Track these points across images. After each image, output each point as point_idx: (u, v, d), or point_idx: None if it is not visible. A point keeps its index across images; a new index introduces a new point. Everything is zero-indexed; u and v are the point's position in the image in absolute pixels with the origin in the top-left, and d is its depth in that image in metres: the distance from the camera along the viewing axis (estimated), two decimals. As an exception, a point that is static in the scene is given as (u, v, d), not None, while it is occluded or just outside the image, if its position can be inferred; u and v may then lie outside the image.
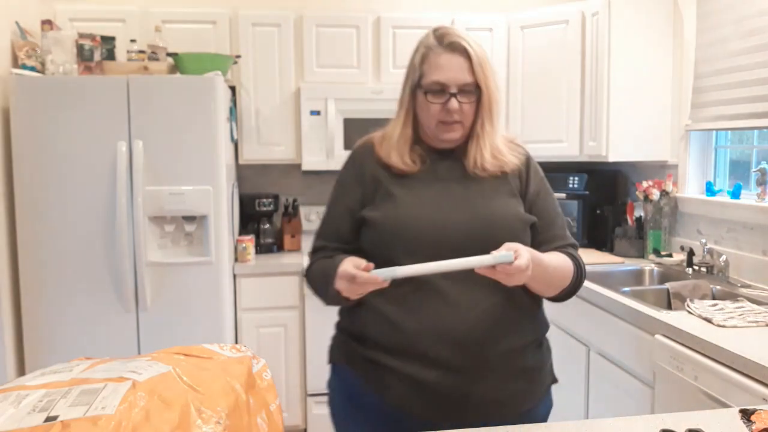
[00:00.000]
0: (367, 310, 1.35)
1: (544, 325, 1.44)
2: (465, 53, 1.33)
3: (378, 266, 1.24)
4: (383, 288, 1.24)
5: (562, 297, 1.40)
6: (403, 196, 1.35)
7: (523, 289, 1.33)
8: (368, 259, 1.26)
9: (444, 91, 1.33)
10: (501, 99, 1.37)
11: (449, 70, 1.33)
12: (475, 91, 1.34)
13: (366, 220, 1.36)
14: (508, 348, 1.31)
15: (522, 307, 1.35)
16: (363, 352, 1.35)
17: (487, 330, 1.28)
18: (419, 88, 1.36)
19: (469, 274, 1.20)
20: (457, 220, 1.31)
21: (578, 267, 1.40)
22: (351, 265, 1.23)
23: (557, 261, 1.36)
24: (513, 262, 1.16)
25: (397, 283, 1.25)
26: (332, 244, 1.42)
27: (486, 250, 1.20)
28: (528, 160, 1.45)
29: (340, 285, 1.25)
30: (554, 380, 1.45)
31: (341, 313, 1.46)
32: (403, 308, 1.30)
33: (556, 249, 1.40)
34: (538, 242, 1.39)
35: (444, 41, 1.34)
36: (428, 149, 1.42)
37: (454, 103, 1.33)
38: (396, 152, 1.39)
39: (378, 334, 1.33)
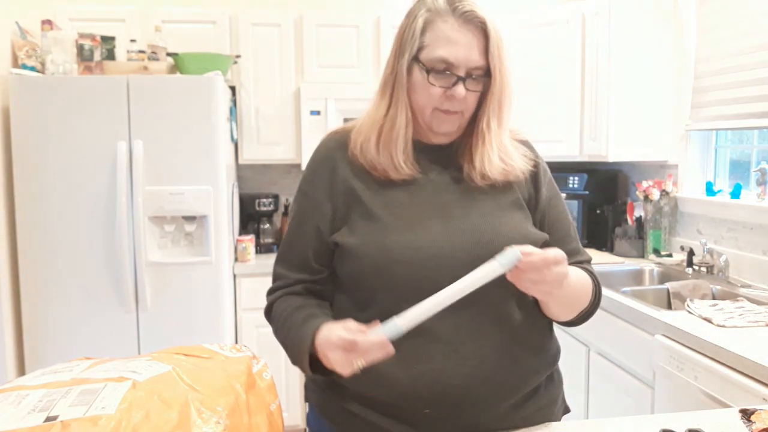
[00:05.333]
0: None
1: (557, 352, 1.21)
2: (482, 28, 1.05)
3: (360, 304, 1.04)
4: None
5: (577, 321, 1.18)
6: (388, 217, 1.08)
7: (537, 315, 1.12)
8: (347, 293, 1.07)
9: (449, 72, 1.05)
10: (511, 87, 1.12)
11: (461, 46, 1.04)
12: (484, 77, 1.07)
13: (341, 247, 1.10)
14: (519, 400, 1.11)
15: (537, 347, 1.13)
16: (340, 403, 1.13)
17: (497, 384, 1.07)
18: (417, 62, 1.07)
19: (473, 316, 1.04)
20: (455, 247, 1.06)
21: (596, 285, 1.19)
22: (341, 328, 0.97)
23: (580, 276, 1.14)
24: (521, 258, 0.94)
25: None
26: (295, 274, 1.15)
27: (490, 283, 1.00)
28: (537, 166, 1.19)
29: (334, 357, 0.97)
30: (566, 410, 1.26)
31: None
32: (392, 359, 1.01)
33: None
34: None
35: (457, 8, 1.05)
36: (415, 143, 1.14)
37: (460, 89, 1.05)
38: (399, 153, 1.10)
39: (359, 386, 1.08)
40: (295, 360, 1.09)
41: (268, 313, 1.19)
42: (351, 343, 0.94)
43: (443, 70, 1.05)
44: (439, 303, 0.96)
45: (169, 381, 0.85)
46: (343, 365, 0.96)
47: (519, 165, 1.14)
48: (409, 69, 1.08)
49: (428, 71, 1.06)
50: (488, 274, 0.96)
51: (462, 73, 1.05)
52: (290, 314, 1.11)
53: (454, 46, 1.04)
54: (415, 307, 0.96)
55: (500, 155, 1.12)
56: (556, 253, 0.96)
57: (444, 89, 1.06)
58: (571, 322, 1.18)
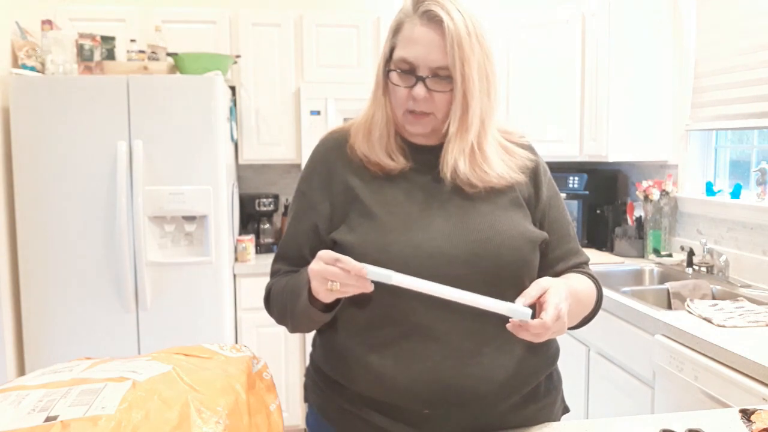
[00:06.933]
0: (344, 358, 1.11)
1: (557, 352, 1.20)
2: (441, 26, 1.03)
3: (359, 303, 1.04)
4: (360, 329, 1.08)
5: (578, 326, 1.18)
6: (387, 216, 1.08)
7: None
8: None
9: (412, 72, 1.06)
10: (490, 90, 1.08)
11: (420, 46, 1.04)
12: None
13: (340, 245, 1.08)
14: (518, 400, 1.12)
15: (536, 347, 1.11)
16: (340, 403, 1.14)
17: (496, 384, 1.06)
18: (388, 63, 1.09)
19: (472, 315, 1.01)
20: (454, 245, 1.06)
21: (598, 291, 1.20)
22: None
23: (584, 290, 1.14)
24: (529, 320, 0.94)
25: (379, 324, 1.06)
26: (294, 269, 1.15)
27: (490, 282, 1.03)
28: (537, 166, 1.18)
29: (313, 267, 0.98)
30: (566, 410, 1.26)
31: (314, 343, 1.23)
32: (392, 358, 1.05)
33: (571, 268, 1.19)
34: (552, 260, 1.17)
35: (419, 7, 1.05)
36: (408, 143, 1.15)
37: (418, 89, 1.05)
38: (381, 146, 1.12)
39: (358, 386, 1.09)
40: (295, 301, 1.08)
41: (267, 299, 1.20)
42: (334, 258, 0.96)
43: (407, 70, 1.06)
44: (436, 291, 0.97)
45: (169, 381, 0.85)
46: (319, 279, 0.97)
47: (502, 171, 1.11)
48: (385, 69, 1.11)
49: (390, 71, 1.08)
50: (492, 306, 0.96)
51: (424, 73, 1.05)
52: (288, 280, 1.13)
53: (414, 46, 1.04)
54: (414, 277, 0.97)
55: (473, 161, 1.09)
56: (554, 311, 0.95)
57: (408, 89, 1.06)
58: (571, 327, 1.16)
